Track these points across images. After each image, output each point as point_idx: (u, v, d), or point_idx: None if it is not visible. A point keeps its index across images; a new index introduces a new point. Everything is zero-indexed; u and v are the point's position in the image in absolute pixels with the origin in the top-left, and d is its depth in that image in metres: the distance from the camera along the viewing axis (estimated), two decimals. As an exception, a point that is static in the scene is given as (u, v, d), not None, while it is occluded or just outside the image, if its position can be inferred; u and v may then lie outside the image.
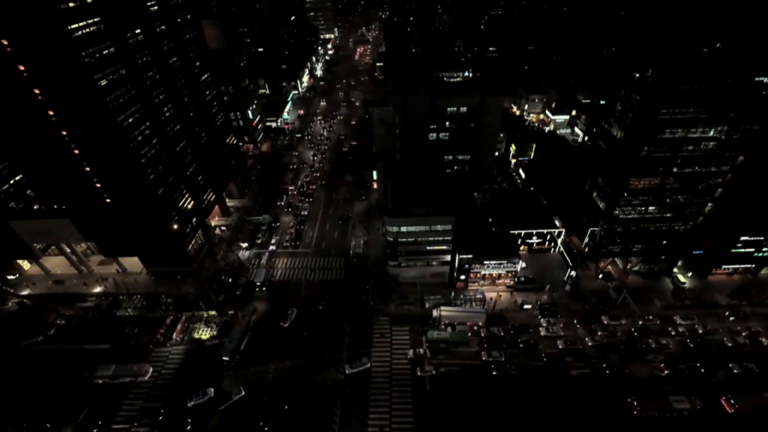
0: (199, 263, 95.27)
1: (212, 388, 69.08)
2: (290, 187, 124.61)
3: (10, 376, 72.45)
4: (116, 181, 77.71)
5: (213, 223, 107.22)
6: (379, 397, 68.41)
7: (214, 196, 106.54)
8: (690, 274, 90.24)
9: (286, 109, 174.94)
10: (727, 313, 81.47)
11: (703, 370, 70.76)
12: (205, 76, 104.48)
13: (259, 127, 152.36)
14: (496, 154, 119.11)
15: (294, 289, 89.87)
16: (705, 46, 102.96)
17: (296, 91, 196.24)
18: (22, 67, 62.96)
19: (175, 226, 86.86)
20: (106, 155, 73.90)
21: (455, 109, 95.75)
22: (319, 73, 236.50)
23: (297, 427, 64.11)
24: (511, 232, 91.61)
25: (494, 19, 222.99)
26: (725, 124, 70.47)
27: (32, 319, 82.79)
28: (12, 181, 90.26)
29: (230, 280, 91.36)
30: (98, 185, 77.64)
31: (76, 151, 73.05)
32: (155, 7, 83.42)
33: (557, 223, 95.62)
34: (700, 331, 77.47)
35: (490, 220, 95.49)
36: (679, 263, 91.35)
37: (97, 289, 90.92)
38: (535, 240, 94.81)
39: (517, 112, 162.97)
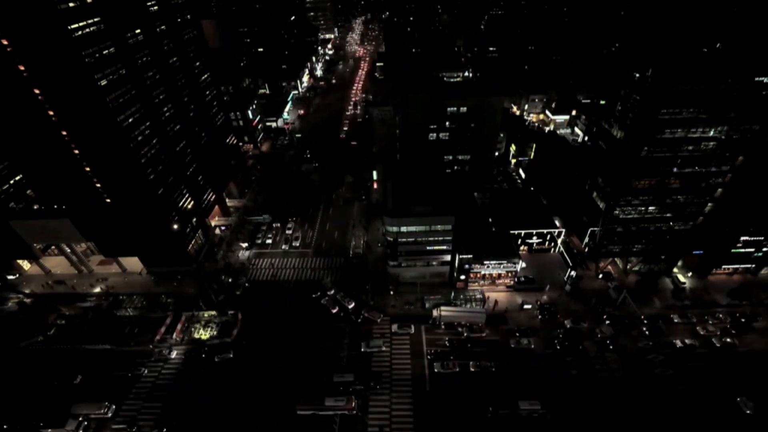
0: (199, 263, 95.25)
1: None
2: None
3: (9, 376, 72.54)
4: (116, 181, 77.73)
5: (213, 223, 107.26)
6: (379, 397, 68.42)
7: (214, 196, 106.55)
8: (690, 274, 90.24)
9: (286, 109, 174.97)
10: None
11: None
12: (205, 76, 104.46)
13: (259, 127, 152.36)
14: (496, 154, 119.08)
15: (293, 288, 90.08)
16: (705, 46, 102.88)
17: (296, 91, 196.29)
18: (22, 67, 62.96)
19: (175, 226, 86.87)
20: (106, 155, 73.91)
21: (455, 109, 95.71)
22: (319, 73, 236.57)
23: (297, 427, 64.14)
24: (511, 232, 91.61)
25: (494, 19, 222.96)
26: (725, 124, 70.45)
27: (32, 319, 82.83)
28: (12, 181, 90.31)
29: (230, 280, 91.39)
30: (98, 185, 77.66)
31: (76, 151, 73.08)
32: (155, 7, 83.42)
33: (557, 223, 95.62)
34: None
35: (490, 220, 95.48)
36: (679, 263, 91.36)
37: (97, 289, 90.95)
38: (535, 240, 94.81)
39: (517, 112, 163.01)
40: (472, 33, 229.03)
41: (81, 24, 63.04)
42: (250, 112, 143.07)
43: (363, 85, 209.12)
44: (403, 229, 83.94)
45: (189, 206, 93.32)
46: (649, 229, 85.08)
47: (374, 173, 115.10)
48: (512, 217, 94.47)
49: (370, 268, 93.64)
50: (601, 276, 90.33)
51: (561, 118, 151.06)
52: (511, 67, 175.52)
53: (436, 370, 71.71)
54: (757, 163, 74.67)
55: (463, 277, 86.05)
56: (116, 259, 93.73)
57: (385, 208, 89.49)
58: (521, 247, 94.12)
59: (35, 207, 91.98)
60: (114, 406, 67.36)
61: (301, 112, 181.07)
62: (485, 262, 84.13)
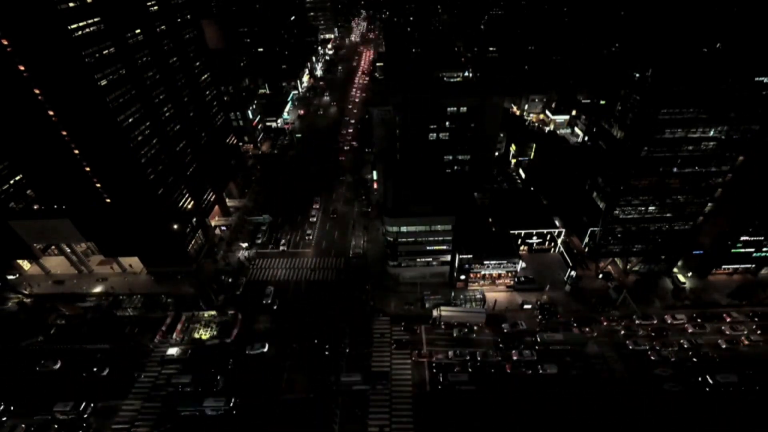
0: (199, 263, 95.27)
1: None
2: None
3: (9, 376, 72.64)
4: (116, 181, 77.69)
5: (213, 223, 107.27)
6: (379, 397, 68.43)
7: (214, 196, 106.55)
8: (690, 274, 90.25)
9: (286, 109, 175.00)
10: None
11: None
12: (205, 76, 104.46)
13: (259, 127, 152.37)
14: (496, 154, 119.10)
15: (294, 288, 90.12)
16: (705, 46, 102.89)
17: (296, 91, 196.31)
18: (22, 67, 62.92)
19: (175, 226, 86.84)
20: (106, 155, 73.88)
21: (455, 109, 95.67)
22: (319, 73, 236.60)
23: (297, 427, 64.17)
24: (511, 232, 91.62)
25: (494, 19, 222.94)
26: (725, 124, 70.47)
27: (32, 319, 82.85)
28: (12, 181, 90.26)
29: (230, 280, 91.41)
30: (98, 185, 77.62)
31: (76, 151, 73.04)
32: (155, 7, 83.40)
33: (557, 223, 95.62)
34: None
35: (490, 220, 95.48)
36: (679, 263, 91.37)
37: (97, 289, 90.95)
38: (535, 240, 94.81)
39: (517, 112, 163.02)
40: (472, 33, 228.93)
41: (81, 24, 63.00)
42: (250, 112, 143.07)
43: (362, 86, 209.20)
44: (403, 229, 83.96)
45: (189, 206, 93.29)
46: (649, 229, 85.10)
47: (374, 173, 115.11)
48: (512, 217, 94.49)
49: (371, 269, 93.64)
50: (601, 276, 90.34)
51: (561, 118, 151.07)
52: (511, 67, 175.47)
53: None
54: (757, 163, 74.70)
55: (463, 277, 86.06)
56: (116, 259, 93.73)
57: (385, 208, 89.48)
58: (521, 247, 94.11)
59: (35, 207, 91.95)
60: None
61: (301, 112, 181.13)
62: (485, 262, 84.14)
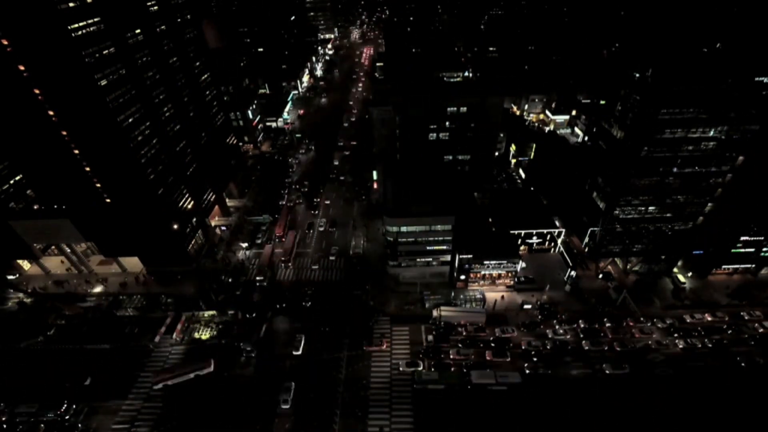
0: (199, 263, 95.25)
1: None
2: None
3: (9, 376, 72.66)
4: (116, 181, 77.71)
5: (213, 223, 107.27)
6: (379, 397, 68.43)
7: (214, 196, 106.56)
8: (690, 274, 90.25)
9: (286, 109, 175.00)
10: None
11: None
12: (205, 76, 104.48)
13: (259, 127, 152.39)
14: (496, 154, 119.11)
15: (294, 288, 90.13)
16: (705, 46, 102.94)
17: (296, 91, 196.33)
18: (22, 67, 62.94)
19: (175, 226, 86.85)
20: (106, 155, 73.90)
21: (455, 109, 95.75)
22: (319, 73, 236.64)
23: (297, 428, 64.15)
24: (511, 232, 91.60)
25: (494, 19, 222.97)
26: (725, 124, 70.45)
27: (32, 319, 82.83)
28: (12, 181, 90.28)
29: (230, 280, 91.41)
30: (98, 185, 77.64)
31: (76, 151, 73.06)
32: (155, 7, 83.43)
33: (557, 223, 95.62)
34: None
35: (490, 220, 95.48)
36: (679, 263, 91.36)
37: (97, 289, 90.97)
38: (535, 240, 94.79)
39: (517, 112, 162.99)
40: (472, 33, 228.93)
41: (81, 24, 63.02)
42: (250, 112, 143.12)
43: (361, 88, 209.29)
44: (403, 229, 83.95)
45: (189, 206, 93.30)
46: (649, 229, 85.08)
47: (374, 173, 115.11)
48: (512, 217, 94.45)
49: (371, 269, 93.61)
50: (601, 276, 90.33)
51: (561, 118, 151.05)
52: (511, 67, 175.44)
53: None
54: (757, 163, 74.68)
55: (463, 277, 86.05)
56: (116, 259, 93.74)
57: (385, 208, 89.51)
58: (521, 247, 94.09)
59: (35, 207, 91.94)
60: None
61: (301, 112, 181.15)
62: (485, 262, 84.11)
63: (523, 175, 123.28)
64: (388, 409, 66.38)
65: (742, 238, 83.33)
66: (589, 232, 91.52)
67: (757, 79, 66.83)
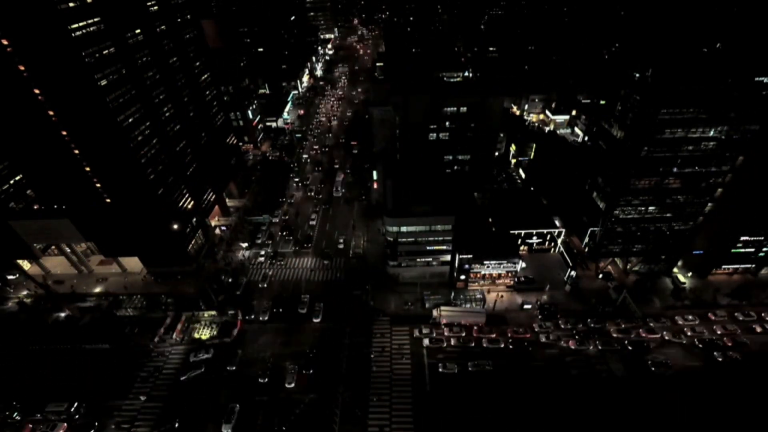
0: (199, 263, 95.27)
1: None
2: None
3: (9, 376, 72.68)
4: (116, 181, 77.66)
5: (213, 223, 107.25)
6: (378, 397, 68.41)
7: (214, 196, 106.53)
8: (690, 274, 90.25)
9: (286, 109, 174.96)
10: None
11: None
12: (205, 76, 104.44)
13: (259, 127, 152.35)
14: (496, 154, 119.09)
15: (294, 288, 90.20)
16: (705, 46, 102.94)
17: (296, 91, 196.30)
18: (22, 67, 62.91)
19: (175, 226, 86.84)
20: (106, 155, 73.86)
21: (455, 109, 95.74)
22: (319, 73, 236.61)
23: (297, 428, 64.17)
24: (511, 232, 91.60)
25: (494, 19, 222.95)
26: (725, 124, 70.48)
27: (32, 319, 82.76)
28: (12, 181, 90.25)
29: (230, 280, 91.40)
30: (98, 185, 77.58)
31: (76, 151, 73.01)
32: (155, 7, 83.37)
33: (557, 223, 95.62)
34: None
35: (490, 220, 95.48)
36: (679, 263, 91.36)
37: (97, 289, 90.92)
38: (535, 240, 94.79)
39: (517, 112, 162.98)
40: (472, 33, 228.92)
41: (81, 24, 62.97)
42: (250, 112, 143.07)
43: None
44: (403, 229, 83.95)
45: (189, 206, 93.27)
46: (649, 229, 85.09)
47: (374, 173, 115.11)
48: (512, 217, 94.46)
49: (371, 269, 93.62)
50: (601, 276, 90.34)
51: (561, 118, 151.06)
52: (511, 67, 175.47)
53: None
54: (757, 163, 74.69)
55: (463, 277, 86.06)
56: (116, 259, 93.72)
57: (385, 208, 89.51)
58: (521, 247, 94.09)
59: (35, 207, 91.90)
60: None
61: (301, 112, 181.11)
62: (485, 262, 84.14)
63: (523, 175, 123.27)
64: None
65: (742, 238, 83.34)
66: (589, 232, 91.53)
67: (757, 79, 66.82)
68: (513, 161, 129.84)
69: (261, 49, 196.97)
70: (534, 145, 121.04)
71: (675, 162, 74.89)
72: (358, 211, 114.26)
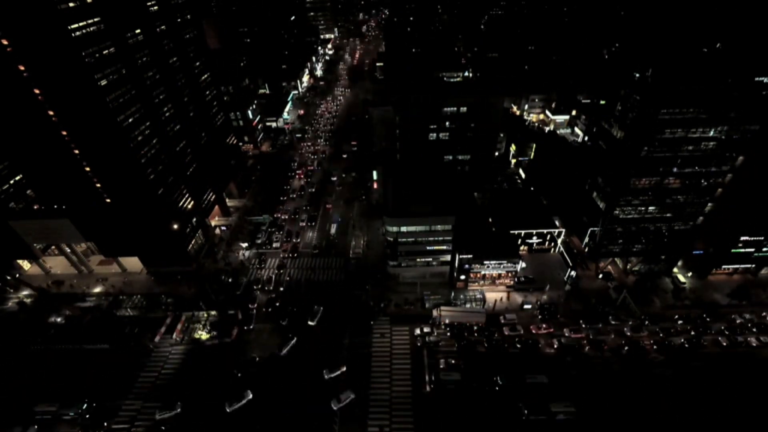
0: (199, 263, 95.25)
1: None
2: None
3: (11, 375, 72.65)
4: (116, 181, 77.71)
5: (213, 223, 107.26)
6: (379, 397, 68.47)
7: (214, 196, 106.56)
8: (690, 274, 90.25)
9: (286, 109, 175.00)
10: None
11: None
12: (205, 76, 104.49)
13: (259, 127, 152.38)
14: (496, 154, 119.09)
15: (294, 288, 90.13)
16: (705, 46, 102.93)
17: (296, 91, 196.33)
18: (22, 67, 62.95)
19: (175, 226, 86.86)
20: (106, 155, 73.90)
21: (455, 109, 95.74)
22: (319, 73, 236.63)
23: (297, 428, 64.17)
24: (511, 232, 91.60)
25: (494, 19, 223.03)
26: (725, 124, 70.46)
27: (32, 319, 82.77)
28: (12, 181, 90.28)
29: (230, 280, 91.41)
30: (98, 185, 77.64)
31: (76, 151, 73.06)
32: (155, 7, 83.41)
33: (557, 223, 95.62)
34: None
35: (490, 220, 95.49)
36: (679, 263, 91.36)
37: (97, 289, 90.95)
38: (535, 240, 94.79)
39: (517, 112, 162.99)
40: (472, 33, 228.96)
41: (81, 24, 62.99)
42: (250, 112, 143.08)
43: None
44: (403, 229, 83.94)
45: (189, 206, 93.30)
46: (649, 229, 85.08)
47: (374, 173, 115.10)
48: (512, 217, 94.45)
49: (370, 269, 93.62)
50: (601, 276, 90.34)
51: (561, 118, 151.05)
52: (511, 67, 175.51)
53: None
54: (757, 163, 74.71)
55: (463, 277, 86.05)
56: (116, 259, 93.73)
57: (385, 208, 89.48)
58: (521, 247, 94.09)
59: (35, 207, 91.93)
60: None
61: (301, 112, 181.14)
62: (485, 262, 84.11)
63: (523, 175, 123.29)
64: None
65: (742, 238, 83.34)
66: (589, 232, 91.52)
67: (757, 79, 66.81)
68: (513, 161, 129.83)
69: (261, 50, 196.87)
70: (534, 145, 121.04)
71: (675, 162, 74.89)
72: (358, 211, 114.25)
